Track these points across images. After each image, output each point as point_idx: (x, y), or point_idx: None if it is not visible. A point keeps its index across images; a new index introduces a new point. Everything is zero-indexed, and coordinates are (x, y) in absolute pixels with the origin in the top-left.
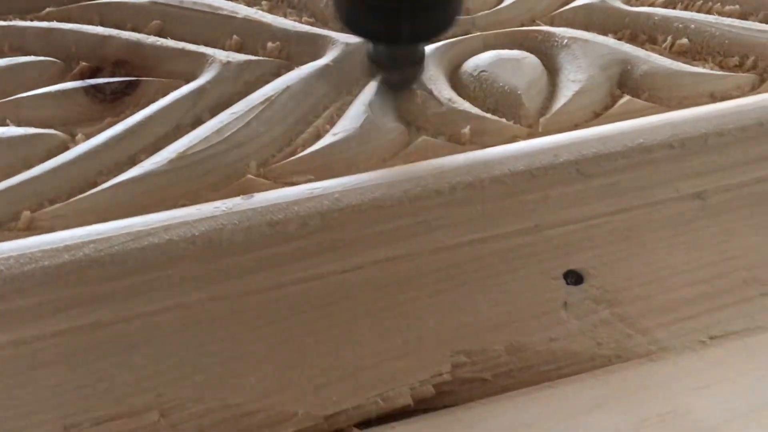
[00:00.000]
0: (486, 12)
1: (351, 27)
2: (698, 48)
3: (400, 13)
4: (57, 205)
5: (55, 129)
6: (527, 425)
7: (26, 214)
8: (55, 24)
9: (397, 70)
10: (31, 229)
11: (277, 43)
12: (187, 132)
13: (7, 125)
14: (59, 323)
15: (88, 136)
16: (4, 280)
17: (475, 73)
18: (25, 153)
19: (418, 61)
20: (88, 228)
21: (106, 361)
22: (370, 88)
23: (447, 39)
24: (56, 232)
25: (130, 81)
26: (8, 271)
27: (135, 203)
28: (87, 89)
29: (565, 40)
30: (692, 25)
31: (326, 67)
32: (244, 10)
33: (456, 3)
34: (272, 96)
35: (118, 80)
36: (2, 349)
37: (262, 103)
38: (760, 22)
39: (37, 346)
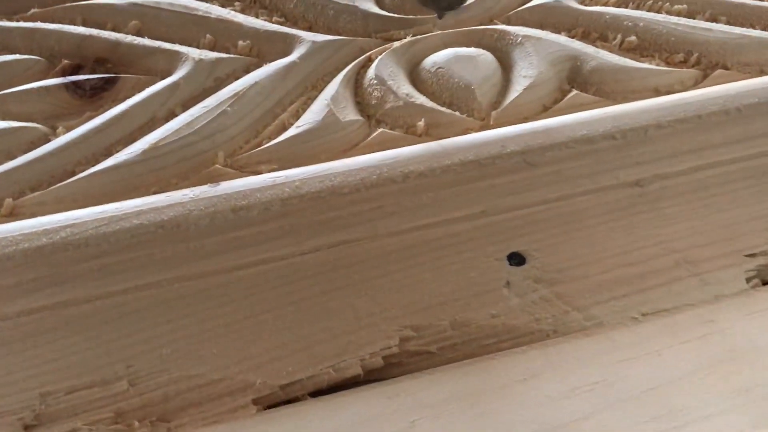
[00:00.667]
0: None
1: None
2: (646, 45)
3: None
4: (37, 193)
5: (38, 123)
6: (468, 393)
7: (8, 201)
8: (39, 24)
9: None
10: (13, 215)
11: (248, 41)
12: (161, 125)
13: None
14: (37, 301)
15: (68, 129)
16: None
17: (433, 70)
18: (8, 145)
19: None
20: (65, 214)
21: (80, 335)
22: (334, 85)
23: (407, 39)
24: (36, 218)
25: (108, 78)
26: None
27: (110, 191)
28: (68, 85)
29: (519, 38)
30: (641, 24)
31: (293, 63)
32: (217, 11)
33: None
34: (241, 91)
35: (97, 77)
36: None
37: (231, 97)
38: (707, 20)
39: (17, 321)
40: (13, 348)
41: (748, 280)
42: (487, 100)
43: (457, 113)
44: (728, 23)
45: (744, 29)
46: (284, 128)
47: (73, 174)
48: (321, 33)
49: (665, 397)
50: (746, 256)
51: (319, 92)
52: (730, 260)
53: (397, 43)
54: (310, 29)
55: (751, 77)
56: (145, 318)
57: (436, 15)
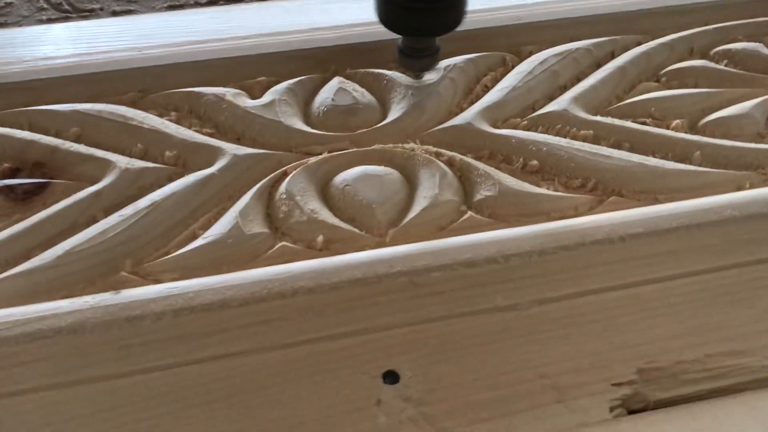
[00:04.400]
0: (364, 130)
1: (387, 24)
2: (547, 169)
3: (423, 12)
4: None
5: None
6: None
7: None
8: None
9: (417, 59)
10: None
11: (175, 151)
12: (81, 230)
13: None
14: None
15: None
16: None
17: (341, 187)
18: None
19: (434, 52)
20: None
21: None
22: (247, 197)
23: (322, 155)
24: None
25: (40, 183)
26: None
27: (23, 293)
28: (2, 189)
29: (426, 159)
30: (544, 148)
31: (212, 175)
32: (151, 121)
33: (462, 7)
34: (158, 201)
35: (29, 181)
36: None
37: (147, 207)
38: (611, 146)
39: None
40: None
41: (611, 409)
42: (387, 218)
43: (356, 230)
44: (631, 150)
45: (644, 157)
46: (194, 238)
47: None
48: (247, 145)
49: None
50: (613, 385)
51: (234, 203)
52: (597, 388)
53: (312, 159)
54: (238, 141)
55: (644, 205)
56: (30, 420)
57: (414, 75)
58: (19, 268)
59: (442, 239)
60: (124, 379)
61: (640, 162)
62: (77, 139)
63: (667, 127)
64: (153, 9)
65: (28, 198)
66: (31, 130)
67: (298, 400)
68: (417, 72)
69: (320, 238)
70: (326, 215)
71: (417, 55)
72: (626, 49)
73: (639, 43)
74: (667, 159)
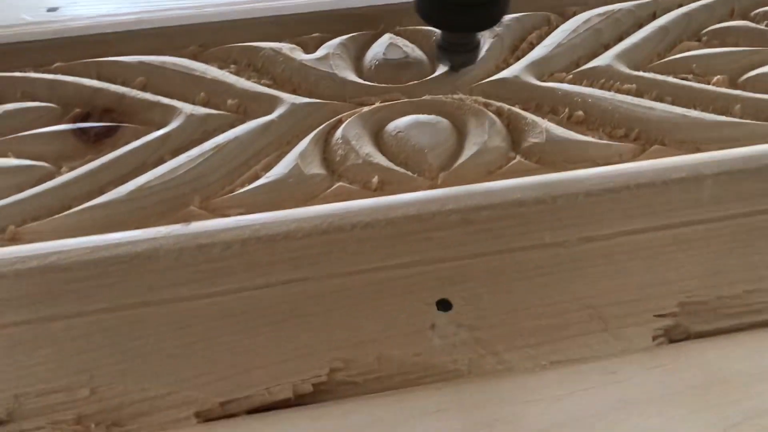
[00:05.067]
0: (415, 82)
1: (427, 19)
2: (592, 119)
3: (464, 8)
4: (36, 223)
5: (47, 162)
6: (383, 421)
7: (11, 228)
8: (59, 76)
9: (458, 54)
10: (14, 240)
11: (236, 100)
12: (150, 170)
13: (8, 157)
14: (22, 315)
15: (70, 169)
16: None
17: (394, 133)
18: (19, 180)
19: (474, 47)
20: (56, 241)
21: (54, 347)
22: (305, 142)
23: (374, 105)
24: (32, 244)
25: (110, 126)
26: None
27: (98, 225)
28: (75, 131)
29: (474, 108)
30: (589, 100)
31: (271, 122)
32: (213, 72)
33: (504, 4)
34: (221, 144)
35: (101, 125)
36: None
37: (212, 149)
38: (653, 99)
39: (2, 332)
40: None
41: (654, 338)
42: (438, 162)
43: (409, 173)
44: (673, 103)
45: (685, 109)
46: (256, 178)
47: (69, 208)
48: (303, 96)
49: None
50: (655, 316)
51: (293, 147)
52: (640, 319)
53: (366, 108)
54: (294, 92)
55: (686, 153)
56: (111, 336)
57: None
58: (94, 201)
59: (492, 182)
60: (195, 301)
61: (682, 114)
62: (143, 88)
63: (708, 83)
64: None
65: (99, 140)
66: (99, 79)
67: (358, 322)
68: (456, 68)
69: (375, 179)
70: (380, 159)
71: (457, 51)
72: (668, 10)
73: (680, 5)
74: (708, 112)
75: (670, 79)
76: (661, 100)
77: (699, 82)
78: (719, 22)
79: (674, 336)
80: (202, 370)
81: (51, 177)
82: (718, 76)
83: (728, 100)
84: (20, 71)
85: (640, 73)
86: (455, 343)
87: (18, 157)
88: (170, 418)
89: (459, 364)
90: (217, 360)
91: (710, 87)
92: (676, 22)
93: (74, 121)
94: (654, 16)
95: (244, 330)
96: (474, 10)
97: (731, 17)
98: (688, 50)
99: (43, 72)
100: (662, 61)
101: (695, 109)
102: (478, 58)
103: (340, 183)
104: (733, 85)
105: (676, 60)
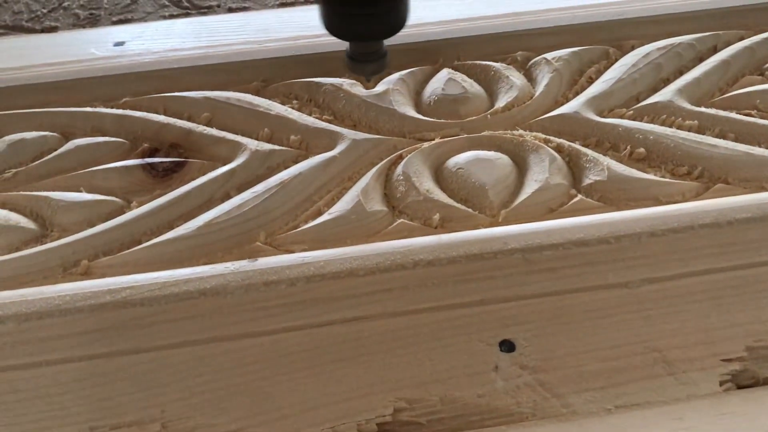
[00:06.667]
0: (473, 118)
1: (332, 32)
2: (653, 156)
3: (367, 18)
4: (108, 258)
5: (117, 197)
6: None
7: (84, 262)
8: (128, 111)
9: (366, 64)
10: (87, 275)
11: (299, 136)
12: (217, 205)
13: (80, 191)
14: (97, 349)
15: (140, 204)
16: (61, 312)
17: (454, 169)
18: (90, 214)
19: (383, 56)
20: (127, 277)
21: (127, 381)
22: (366, 178)
23: (434, 140)
24: (104, 278)
25: (178, 161)
26: (65, 305)
27: (167, 259)
28: (144, 166)
29: (535, 146)
30: (651, 137)
31: (333, 158)
32: (276, 108)
33: (404, 11)
34: (285, 180)
35: (169, 160)
36: (52, 365)
37: (277, 185)
38: (716, 136)
39: (77, 365)
40: (71, 387)
41: (721, 383)
42: (499, 200)
43: (470, 210)
44: (736, 140)
45: (749, 147)
46: (319, 214)
47: (139, 243)
48: (363, 131)
49: None
50: (722, 360)
51: (354, 183)
52: (706, 363)
53: (426, 144)
54: (354, 127)
55: (750, 192)
56: (181, 371)
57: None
58: (163, 236)
59: (553, 220)
60: (260, 338)
61: (747, 151)
62: (208, 123)
63: None
64: (266, 6)
65: (167, 175)
66: (166, 114)
67: (419, 362)
68: (368, 76)
69: (436, 216)
70: (441, 195)
71: (366, 60)
72: (729, 43)
73: (742, 38)
74: None
75: (733, 115)
76: (724, 137)
77: (763, 118)
78: None
79: (742, 381)
80: (268, 407)
81: (121, 212)
82: None
83: None
84: (90, 106)
85: (702, 109)
86: (519, 385)
87: (89, 191)
88: None
89: (523, 407)
90: (282, 397)
91: None
92: (738, 56)
93: (143, 156)
94: (715, 50)
95: (308, 368)
96: (374, 20)
97: None
98: (751, 85)
99: (112, 107)
100: (724, 96)
101: (760, 146)
102: (387, 66)
103: (402, 219)
104: None
105: (738, 95)
